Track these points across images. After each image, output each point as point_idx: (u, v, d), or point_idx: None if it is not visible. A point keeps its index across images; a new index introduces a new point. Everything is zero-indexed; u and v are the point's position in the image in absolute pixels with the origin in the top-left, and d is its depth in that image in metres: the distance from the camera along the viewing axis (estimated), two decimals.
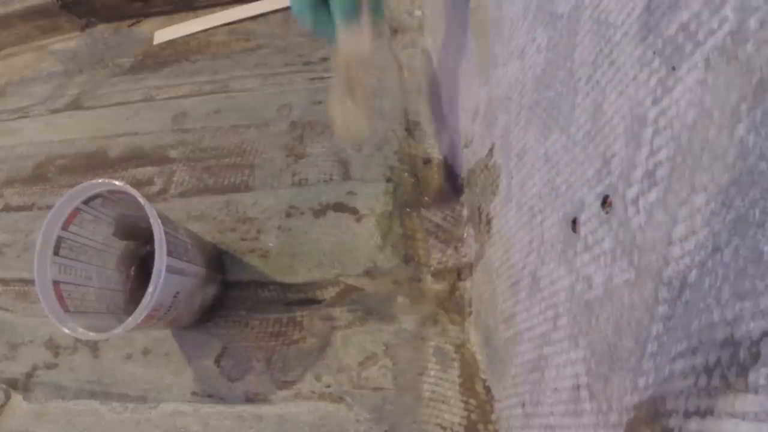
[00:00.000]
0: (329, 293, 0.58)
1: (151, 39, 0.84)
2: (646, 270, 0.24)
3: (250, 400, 0.55)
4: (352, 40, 0.44)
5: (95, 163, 0.74)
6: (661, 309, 0.23)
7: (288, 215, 0.63)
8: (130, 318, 0.44)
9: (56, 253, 0.50)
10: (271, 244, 0.62)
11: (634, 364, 0.25)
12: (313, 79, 0.73)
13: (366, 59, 0.46)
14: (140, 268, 0.59)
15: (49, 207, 0.56)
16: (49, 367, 0.62)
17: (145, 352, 0.60)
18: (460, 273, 0.57)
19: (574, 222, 0.32)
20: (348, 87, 0.47)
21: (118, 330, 0.44)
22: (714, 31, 0.20)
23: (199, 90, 0.76)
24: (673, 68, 0.23)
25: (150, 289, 0.44)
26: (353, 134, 0.49)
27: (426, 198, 0.61)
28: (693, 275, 0.21)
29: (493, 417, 0.48)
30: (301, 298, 0.59)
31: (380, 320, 0.56)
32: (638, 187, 0.25)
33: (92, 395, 0.59)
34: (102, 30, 0.88)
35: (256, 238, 0.63)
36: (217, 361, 0.58)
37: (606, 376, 0.27)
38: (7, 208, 0.74)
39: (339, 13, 0.43)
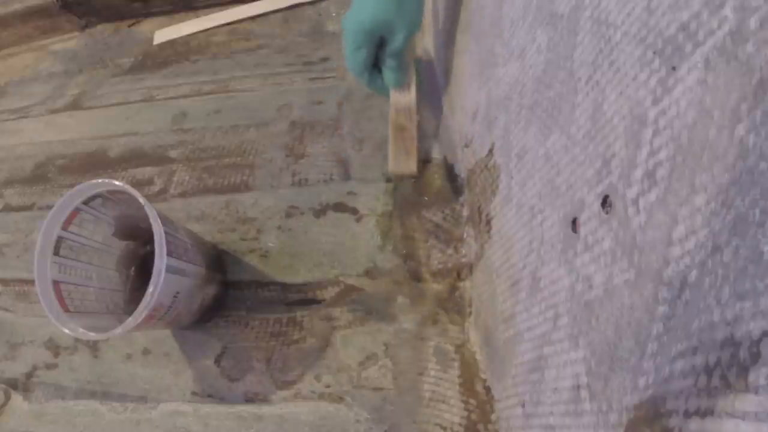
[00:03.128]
0: (329, 293, 0.58)
1: (151, 39, 0.84)
2: (646, 270, 0.24)
3: (250, 400, 0.55)
4: (401, 97, 0.58)
5: (95, 163, 0.74)
6: (661, 309, 0.23)
7: (288, 215, 0.63)
8: (130, 318, 0.44)
9: (56, 253, 0.50)
10: (271, 244, 0.62)
11: (634, 364, 0.25)
12: (313, 78, 0.73)
13: (412, 112, 0.58)
14: (140, 268, 0.59)
15: (49, 207, 0.56)
16: (49, 367, 0.62)
17: (145, 352, 0.60)
18: (460, 273, 0.57)
19: (574, 222, 0.32)
20: (398, 131, 0.59)
21: (118, 330, 0.44)
22: (714, 31, 0.20)
23: (199, 90, 0.76)
24: (673, 68, 0.23)
25: (150, 289, 0.44)
26: (402, 169, 0.60)
27: (426, 198, 0.61)
28: (693, 275, 0.21)
29: (493, 417, 0.48)
30: (301, 298, 0.59)
31: (380, 320, 0.56)
32: (638, 187, 0.25)
33: (92, 395, 0.59)
34: (102, 30, 0.88)
35: (256, 238, 0.63)
36: (217, 361, 0.58)
37: (606, 376, 0.27)
38: (7, 208, 0.74)
39: (391, 83, 0.57)
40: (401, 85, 0.57)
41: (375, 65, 0.56)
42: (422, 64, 0.64)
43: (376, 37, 0.52)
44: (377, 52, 0.54)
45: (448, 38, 0.63)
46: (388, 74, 0.56)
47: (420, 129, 0.61)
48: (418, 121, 0.60)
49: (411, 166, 0.59)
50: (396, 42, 0.52)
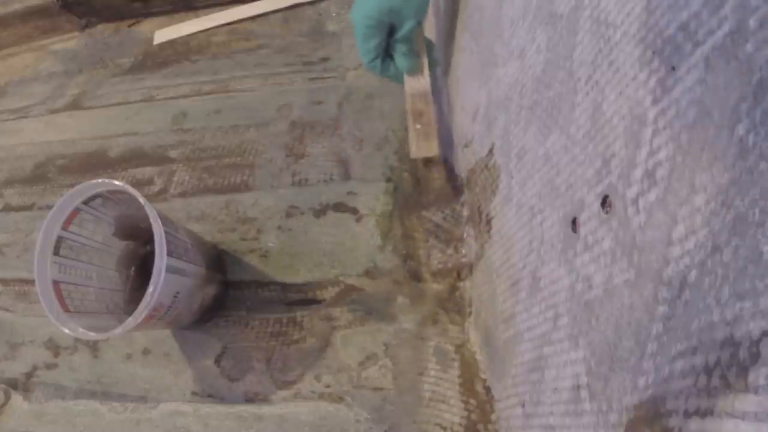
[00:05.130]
0: (329, 293, 0.58)
1: (151, 39, 0.84)
2: (646, 270, 0.24)
3: (250, 400, 0.55)
4: (415, 82, 0.59)
5: (95, 163, 0.74)
6: (661, 309, 0.23)
7: (288, 215, 0.63)
8: (130, 318, 0.44)
9: (56, 253, 0.50)
10: (271, 244, 0.62)
11: (634, 364, 0.25)
12: (313, 78, 0.73)
13: (428, 95, 0.59)
14: (140, 268, 0.59)
15: (49, 207, 0.56)
16: (49, 367, 0.62)
17: (145, 352, 0.60)
18: (460, 273, 0.57)
19: (574, 222, 0.32)
20: (416, 116, 0.60)
21: (118, 330, 0.44)
22: (714, 31, 0.20)
23: (199, 90, 0.76)
24: (673, 68, 0.23)
25: (150, 289, 0.44)
26: (425, 153, 0.60)
27: (426, 198, 0.61)
28: (693, 275, 0.21)
29: (493, 417, 0.48)
30: (301, 298, 0.59)
31: (380, 320, 0.56)
32: (638, 187, 0.25)
33: (92, 395, 0.59)
34: (102, 30, 0.88)
35: (256, 238, 0.63)
36: (217, 361, 0.58)
37: (606, 376, 0.27)
38: (7, 208, 0.74)
39: (404, 68, 0.57)
40: (415, 70, 0.58)
41: (386, 52, 0.57)
42: (433, 46, 0.65)
43: (384, 25, 0.53)
44: (387, 39, 0.55)
45: (447, 37, 0.63)
46: (401, 60, 0.56)
47: (437, 111, 0.62)
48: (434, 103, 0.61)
49: (433, 149, 0.60)
50: (405, 28, 0.53)
